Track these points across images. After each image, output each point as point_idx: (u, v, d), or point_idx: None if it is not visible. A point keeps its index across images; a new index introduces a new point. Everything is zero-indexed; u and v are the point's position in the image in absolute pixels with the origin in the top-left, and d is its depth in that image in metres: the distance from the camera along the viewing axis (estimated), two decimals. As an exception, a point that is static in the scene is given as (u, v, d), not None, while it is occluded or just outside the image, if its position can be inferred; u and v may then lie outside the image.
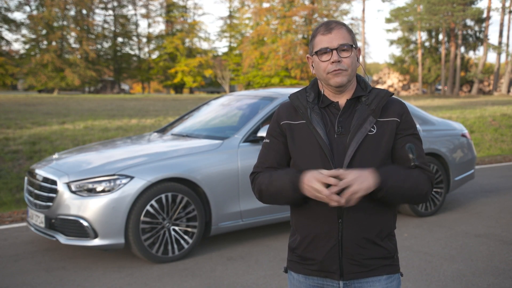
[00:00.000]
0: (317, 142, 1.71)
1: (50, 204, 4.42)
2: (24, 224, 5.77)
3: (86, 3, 42.98)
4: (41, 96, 27.28)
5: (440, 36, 46.07)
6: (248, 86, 47.38)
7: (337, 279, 1.72)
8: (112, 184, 4.29)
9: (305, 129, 1.75)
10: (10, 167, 7.86)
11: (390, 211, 1.78)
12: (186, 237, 4.53)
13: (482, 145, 12.46)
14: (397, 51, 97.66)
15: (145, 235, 4.33)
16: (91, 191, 4.30)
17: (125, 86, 52.40)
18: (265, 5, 46.24)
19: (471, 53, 53.12)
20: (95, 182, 4.31)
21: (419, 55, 44.74)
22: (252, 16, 48.02)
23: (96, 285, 3.99)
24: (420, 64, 44.37)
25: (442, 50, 44.56)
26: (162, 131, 5.97)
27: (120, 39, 49.99)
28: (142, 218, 4.31)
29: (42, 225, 4.51)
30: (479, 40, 44.74)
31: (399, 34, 52.26)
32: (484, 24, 43.85)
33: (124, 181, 4.30)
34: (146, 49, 52.94)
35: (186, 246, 4.53)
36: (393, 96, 1.81)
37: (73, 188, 4.33)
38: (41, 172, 4.69)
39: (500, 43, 42.79)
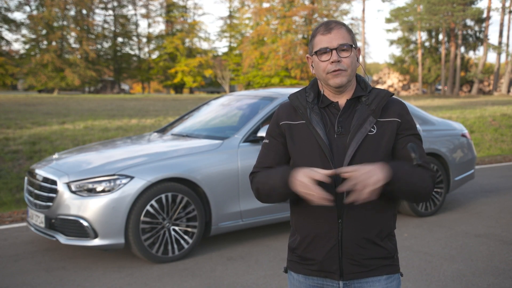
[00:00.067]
0: (316, 142, 1.71)
1: (50, 204, 4.42)
2: (24, 224, 5.77)
3: (86, 3, 42.98)
4: (41, 96, 27.28)
5: (440, 36, 46.08)
6: (248, 86, 47.37)
7: (337, 279, 1.72)
8: (112, 184, 4.29)
9: (305, 129, 1.74)
10: (10, 167, 7.86)
11: (390, 211, 1.78)
12: (186, 237, 4.53)
13: (482, 145, 12.46)
14: (397, 51, 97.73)
15: (145, 235, 4.33)
16: (91, 191, 4.30)
17: (125, 86, 52.40)
18: (265, 5, 46.25)
19: (471, 53, 53.17)
20: (95, 182, 4.31)
21: (419, 55, 44.74)
22: (252, 16, 48.01)
23: (96, 285, 3.99)
24: (420, 64, 44.37)
25: (442, 50, 44.56)
26: (162, 131, 5.97)
27: (120, 39, 50.00)
28: (142, 218, 4.31)
29: (42, 225, 4.51)
30: (479, 40, 44.74)
31: (399, 34, 52.30)
32: (484, 24, 43.85)
33: (124, 181, 4.31)
34: (146, 49, 52.98)
35: (186, 246, 4.53)
36: (393, 96, 1.81)
37: (73, 188, 4.33)
38: (41, 172, 4.69)
39: (500, 43, 42.80)
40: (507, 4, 42.42)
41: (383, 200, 1.74)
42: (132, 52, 51.47)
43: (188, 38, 51.29)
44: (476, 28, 44.74)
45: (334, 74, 1.71)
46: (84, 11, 44.34)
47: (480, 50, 48.33)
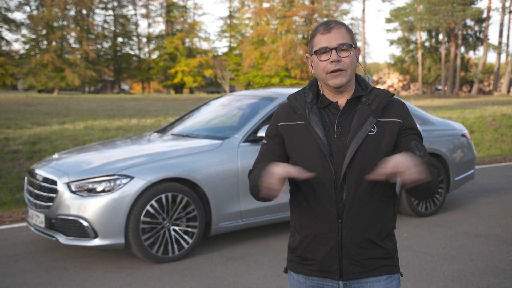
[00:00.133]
0: (316, 143, 1.71)
1: (50, 204, 4.42)
2: (24, 224, 5.77)
3: (86, 3, 42.96)
4: (41, 96, 27.28)
5: (440, 36, 46.06)
6: (248, 86, 47.37)
7: (337, 279, 1.72)
8: (112, 184, 4.29)
9: (304, 129, 1.74)
10: (10, 167, 7.86)
11: (390, 211, 1.78)
12: (186, 237, 4.53)
13: (482, 145, 12.46)
14: (397, 51, 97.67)
15: (145, 235, 4.33)
16: (91, 191, 4.30)
17: (125, 86, 52.38)
18: (265, 5, 46.23)
19: (471, 53, 53.17)
20: (95, 182, 4.31)
21: (419, 55, 44.73)
22: (252, 16, 48.00)
23: (96, 285, 3.99)
24: (420, 64, 44.36)
25: (442, 50, 44.56)
26: (162, 131, 5.97)
27: (120, 39, 49.98)
28: (142, 218, 4.31)
29: (42, 225, 4.51)
30: (479, 40, 44.73)
31: (399, 34, 52.25)
32: (484, 24, 43.84)
33: (124, 181, 4.30)
34: (146, 49, 52.96)
35: (186, 246, 4.53)
36: (393, 96, 1.81)
37: (73, 188, 4.33)
38: (41, 172, 4.69)
39: (500, 43, 42.79)
40: (507, 4, 42.44)
41: (383, 200, 1.74)
42: (132, 52, 51.47)
43: (188, 38, 51.28)
44: (476, 28, 44.73)
45: (333, 74, 1.71)
46: (84, 11, 44.33)
47: (480, 50, 48.36)
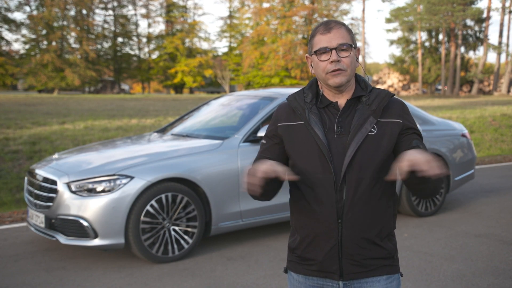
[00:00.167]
0: (315, 143, 1.71)
1: (50, 204, 4.42)
2: (24, 224, 5.77)
3: (86, 3, 42.96)
4: (41, 96, 27.28)
5: (440, 36, 46.07)
6: (248, 86, 47.37)
7: (337, 279, 1.72)
8: (112, 184, 4.29)
9: (303, 130, 1.74)
10: (10, 167, 7.86)
11: (390, 211, 1.78)
12: (186, 237, 4.53)
13: (482, 145, 12.46)
14: (397, 51, 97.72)
15: (145, 235, 4.33)
16: (91, 191, 4.30)
17: (125, 86, 52.36)
18: (265, 5, 46.23)
19: (471, 53, 53.19)
20: (95, 182, 4.31)
21: (419, 55, 44.73)
22: (252, 16, 48.00)
23: (96, 285, 3.99)
24: (420, 64, 44.37)
25: (442, 50, 44.56)
26: (162, 131, 5.97)
27: (120, 39, 49.98)
28: (142, 218, 4.31)
29: (42, 225, 4.51)
30: (479, 40, 44.74)
31: (399, 34, 52.29)
32: (484, 24, 43.84)
33: (124, 181, 4.31)
34: (146, 49, 52.95)
35: (186, 246, 4.53)
36: (394, 96, 1.81)
37: (73, 188, 4.33)
38: (41, 172, 4.69)
39: (500, 43, 42.79)
40: (507, 4, 42.44)
41: (383, 200, 1.74)
42: (132, 52, 51.46)
43: (188, 38, 51.27)
44: (476, 28, 44.74)
45: (333, 74, 1.70)
46: (84, 11, 44.32)
47: (480, 50, 48.40)
